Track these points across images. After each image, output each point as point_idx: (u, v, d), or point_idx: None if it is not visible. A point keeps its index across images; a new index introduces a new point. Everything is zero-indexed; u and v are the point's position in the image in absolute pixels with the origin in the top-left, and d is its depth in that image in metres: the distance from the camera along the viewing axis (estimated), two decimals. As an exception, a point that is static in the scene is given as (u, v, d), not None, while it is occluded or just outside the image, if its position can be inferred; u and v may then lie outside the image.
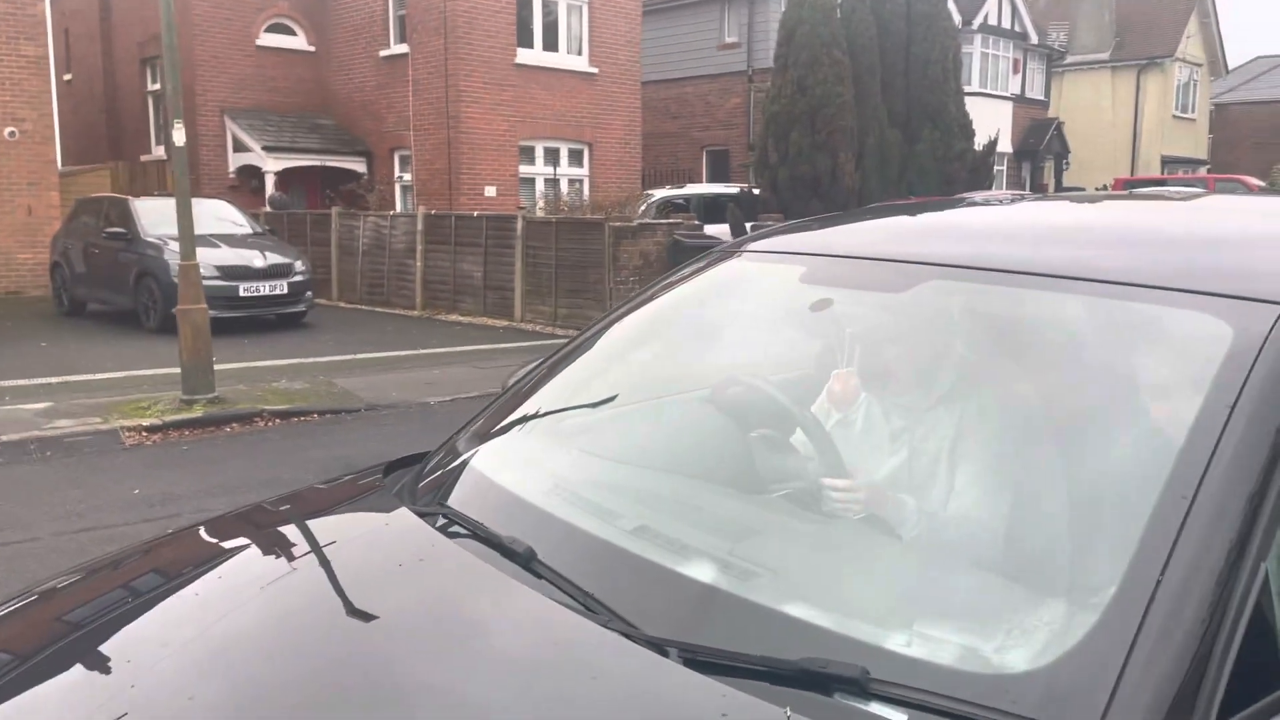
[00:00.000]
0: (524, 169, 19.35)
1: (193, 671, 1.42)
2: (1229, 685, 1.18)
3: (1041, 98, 32.37)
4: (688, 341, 2.44)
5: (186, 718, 1.33)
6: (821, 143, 14.57)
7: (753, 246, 2.41)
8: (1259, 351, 1.41)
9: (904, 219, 2.25)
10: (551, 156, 19.86)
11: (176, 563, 1.85)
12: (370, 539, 1.83)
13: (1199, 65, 37.38)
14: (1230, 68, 41.67)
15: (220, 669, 1.42)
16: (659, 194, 16.83)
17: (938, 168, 15.27)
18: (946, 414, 1.72)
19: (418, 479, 2.07)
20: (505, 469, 2.00)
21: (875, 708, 1.21)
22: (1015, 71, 30.33)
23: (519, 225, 14.08)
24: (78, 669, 1.51)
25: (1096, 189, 28.03)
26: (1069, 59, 34.37)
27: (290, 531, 1.88)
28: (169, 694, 1.38)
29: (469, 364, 11.18)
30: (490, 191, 18.77)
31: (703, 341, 2.42)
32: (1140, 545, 1.26)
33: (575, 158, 20.26)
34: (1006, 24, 29.30)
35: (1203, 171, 34.94)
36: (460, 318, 14.83)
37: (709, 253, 2.50)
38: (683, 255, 12.85)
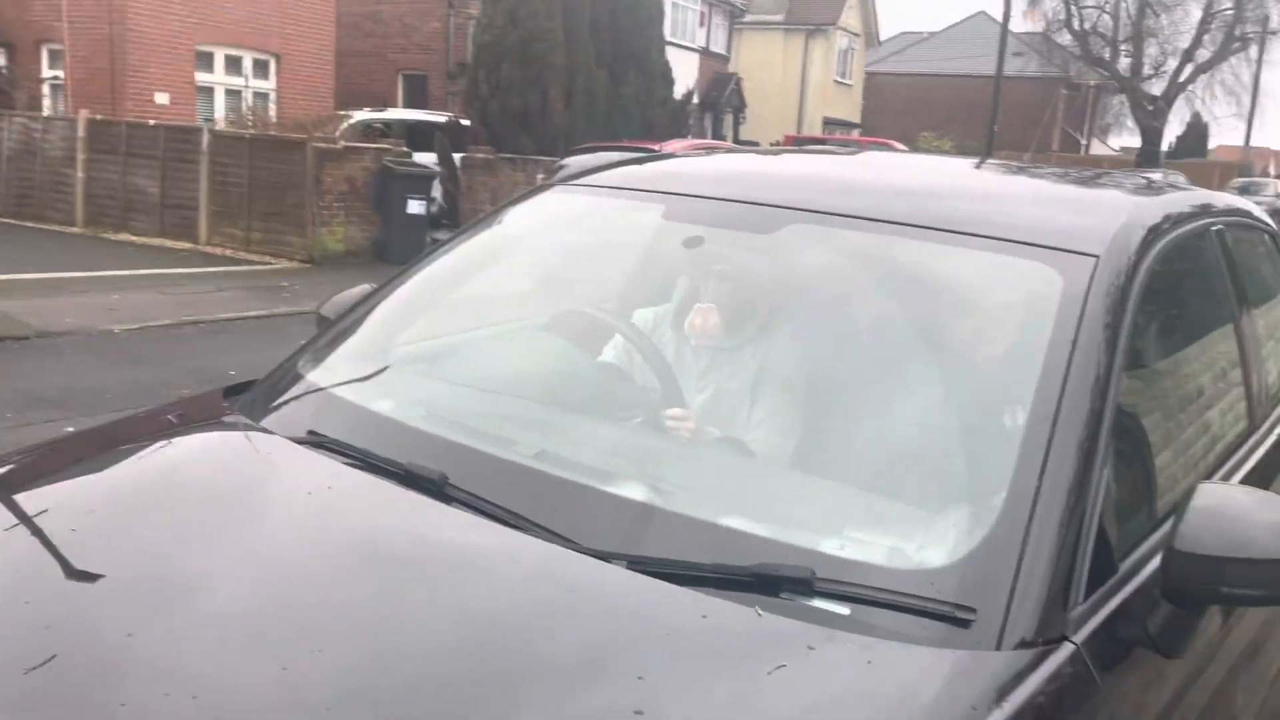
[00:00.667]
0: (202, 77, 17.68)
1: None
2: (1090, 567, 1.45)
3: (724, 52, 34.16)
4: (536, 272, 2.46)
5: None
6: (533, 78, 14.56)
7: (588, 181, 2.45)
8: (1085, 295, 1.69)
9: (741, 162, 2.40)
10: (234, 66, 18.30)
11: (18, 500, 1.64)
12: (260, 468, 1.72)
13: (857, 35, 41.05)
14: (881, 40, 46.16)
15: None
16: (358, 116, 16.06)
17: (641, 113, 15.76)
18: (824, 346, 1.90)
19: (267, 407, 1.96)
20: (375, 396, 1.94)
21: (820, 603, 1.36)
22: (701, 24, 31.76)
23: (205, 139, 12.90)
24: None
25: (771, 144, 30.16)
26: (748, 18, 36.46)
27: (152, 463, 1.73)
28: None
29: (154, 289, 10.20)
30: (162, 99, 16.99)
31: (552, 272, 2.46)
32: (1020, 456, 1.50)
33: (260, 69, 18.79)
34: (696, -23, 30.54)
35: (855, 134, 38.58)
36: (133, 238, 13.41)
37: (543, 184, 2.52)
38: (392, 182, 12.44)
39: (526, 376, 2.14)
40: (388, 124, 16.04)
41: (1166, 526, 1.66)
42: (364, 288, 2.50)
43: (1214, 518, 1.45)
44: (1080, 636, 1.39)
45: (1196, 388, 2.06)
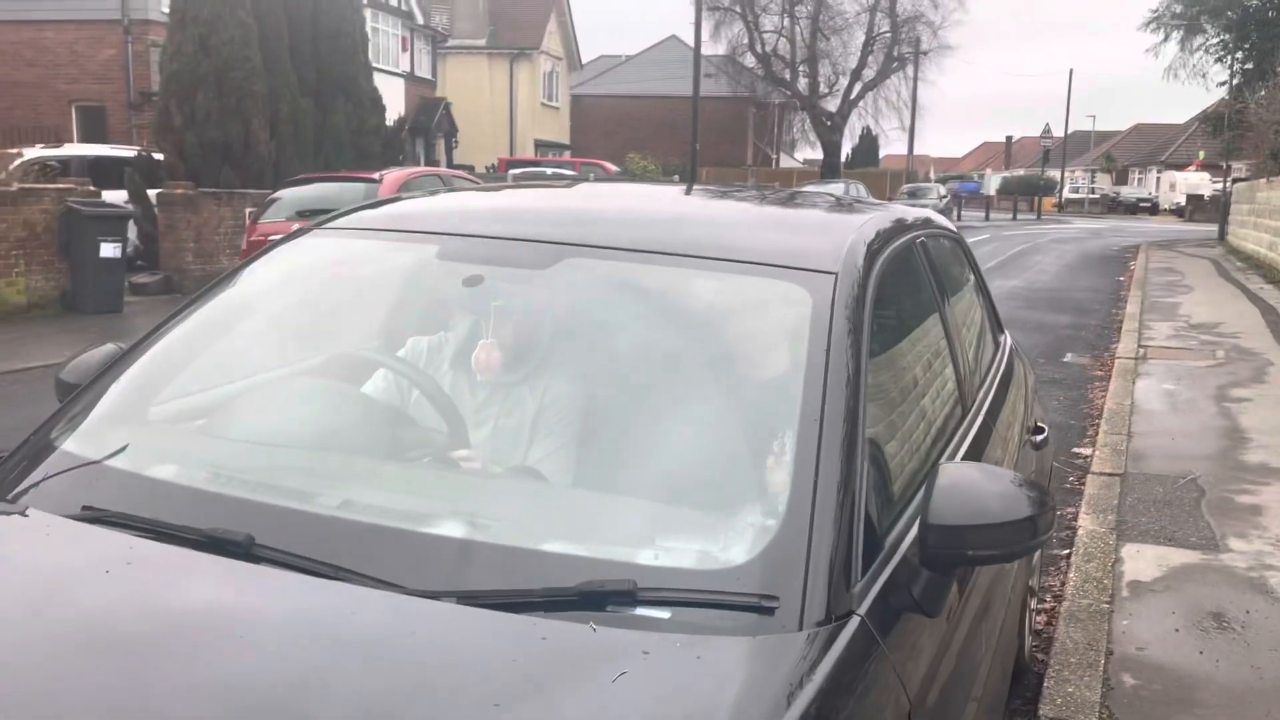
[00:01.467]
0: None
1: None
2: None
3: (430, 77, 33.93)
4: (304, 321, 2.41)
5: None
6: (232, 108, 13.78)
7: (350, 224, 2.44)
8: (831, 309, 1.92)
9: (506, 199, 2.47)
10: None
11: None
12: (40, 551, 1.59)
13: (560, 59, 42.09)
14: (583, 63, 47.59)
15: None
16: (30, 153, 14.55)
17: (353, 141, 15.35)
18: (610, 374, 2.01)
19: (24, 485, 1.81)
20: (151, 462, 1.84)
21: (643, 611, 1.47)
22: (404, 50, 31.39)
23: None
24: None
25: (486, 168, 30.27)
26: (451, 42, 36.45)
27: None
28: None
29: None
30: None
31: (320, 320, 2.41)
32: (796, 457, 1.68)
33: (-97, 104, 16.62)
34: (394, 1, 30.14)
35: (567, 155, 39.51)
36: None
37: (303, 229, 2.47)
38: (80, 225, 11.42)
39: (309, 426, 2.09)
40: (65, 161, 14.66)
41: (916, 502, 1.92)
42: (109, 348, 2.35)
43: (954, 492, 1.69)
44: (863, 609, 1.58)
45: (924, 379, 2.36)
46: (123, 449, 1.89)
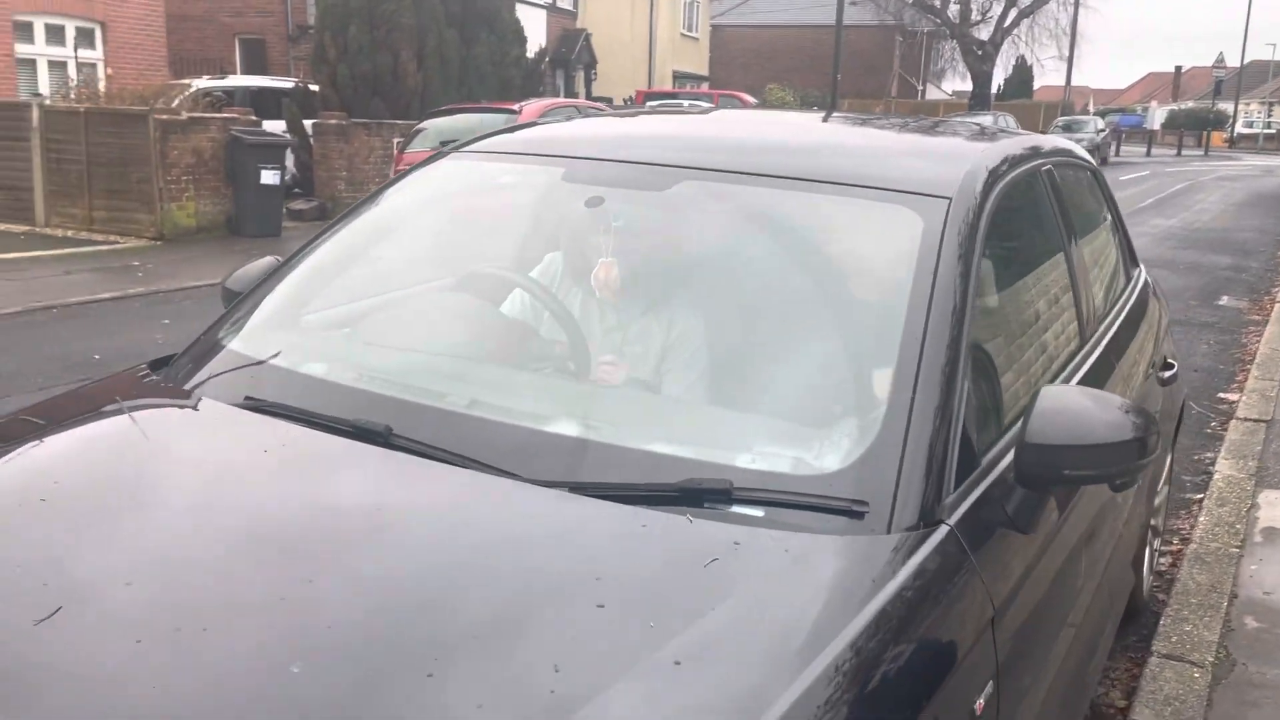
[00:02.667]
0: (22, 49, 16.59)
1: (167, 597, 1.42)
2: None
3: (571, 8, 33.92)
4: (443, 237, 2.59)
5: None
6: (382, 40, 14.24)
7: (483, 147, 2.59)
8: (942, 233, 1.96)
9: (630, 125, 2.58)
10: (56, 35, 17.21)
11: None
12: (214, 432, 1.83)
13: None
14: (725, -8, 46.65)
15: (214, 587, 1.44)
16: (199, 84, 15.40)
17: (496, 72, 15.66)
18: (720, 291, 2.11)
19: (200, 377, 2.05)
20: (304, 360, 2.06)
21: (739, 509, 1.59)
22: (546, -20, 31.44)
23: (35, 115, 12.19)
24: None
25: (623, 100, 30.27)
26: (593, -28, 36.24)
27: (107, 438, 1.82)
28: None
29: (-5, 276, 9.68)
30: (-23, 74, 15.91)
31: (457, 237, 2.59)
32: (896, 374, 1.75)
33: (86, 38, 17.73)
34: (538, -68, 30.16)
35: (705, 87, 39.03)
36: (-40, 223, 12.61)
37: (440, 152, 2.64)
38: (244, 153, 12.07)
39: (444, 336, 2.28)
40: (230, 92, 15.45)
41: (1018, 425, 1.96)
42: (268, 260, 2.58)
43: (1056, 414, 1.74)
44: (953, 520, 1.65)
45: (1036, 310, 2.37)
46: (278, 352, 2.12)
